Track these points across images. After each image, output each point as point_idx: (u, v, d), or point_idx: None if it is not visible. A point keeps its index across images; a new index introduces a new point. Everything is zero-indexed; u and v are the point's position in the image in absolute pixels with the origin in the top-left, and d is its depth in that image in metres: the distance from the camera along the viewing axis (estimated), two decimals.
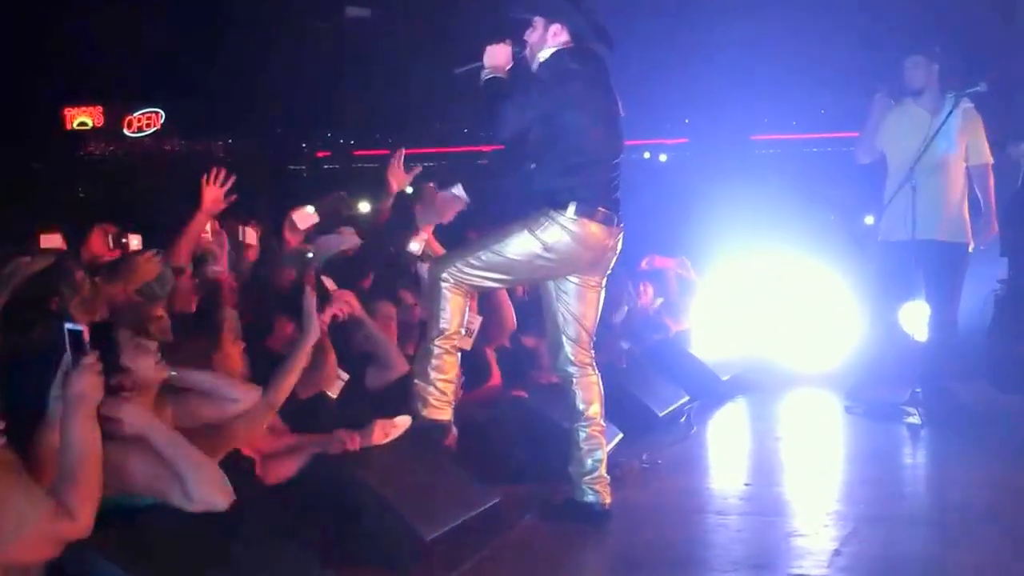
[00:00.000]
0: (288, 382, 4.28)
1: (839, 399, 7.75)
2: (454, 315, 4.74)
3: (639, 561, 4.42)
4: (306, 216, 6.20)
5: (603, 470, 4.88)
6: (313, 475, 4.29)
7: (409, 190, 6.71)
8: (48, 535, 2.83)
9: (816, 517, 4.98)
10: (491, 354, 6.35)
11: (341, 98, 19.68)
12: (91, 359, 3.01)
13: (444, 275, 4.73)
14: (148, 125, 24.02)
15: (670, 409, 7.26)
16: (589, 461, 4.86)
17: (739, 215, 9.96)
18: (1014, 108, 9.21)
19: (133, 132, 24.11)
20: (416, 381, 4.79)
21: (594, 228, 4.70)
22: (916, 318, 7.23)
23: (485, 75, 4.81)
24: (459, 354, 4.85)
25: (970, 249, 7.10)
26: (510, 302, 6.62)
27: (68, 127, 23.98)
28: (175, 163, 22.77)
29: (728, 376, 8.57)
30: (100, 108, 23.97)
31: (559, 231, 4.65)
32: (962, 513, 4.97)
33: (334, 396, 4.84)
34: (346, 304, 5.28)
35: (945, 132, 6.93)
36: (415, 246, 6.44)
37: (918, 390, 6.90)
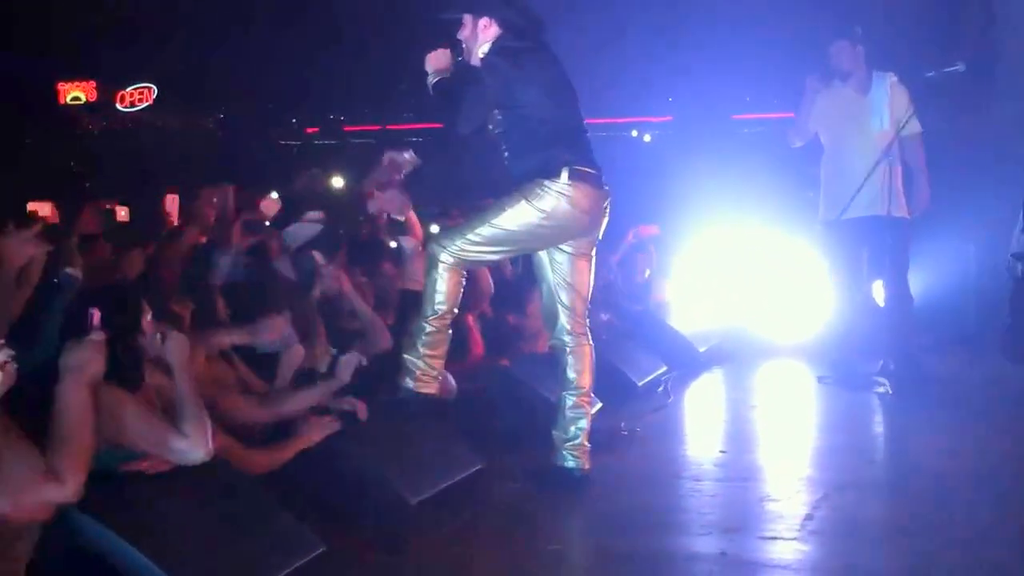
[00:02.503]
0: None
1: (813, 370, 7.90)
2: (449, 295, 4.78)
3: (617, 525, 4.48)
4: (271, 203, 6.10)
5: (585, 439, 4.95)
6: None
7: None
8: (36, 496, 2.89)
9: (788, 483, 5.06)
10: (472, 322, 6.40)
11: (332, 73, 19.67)
12: (98, 336, 3.16)
13: (444, 255, 4.76)
14: (140, 100, 23.96)
15: (649, 379, 7.40)
16: (572, 428, 4.93)
17: (719, 191, 10.09)
18: (995, 82, 9.35)
19: (126, 107, 24.04)
20: (405, 356, 4.84)
21: (588, 190, 4.77)
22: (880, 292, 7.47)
23: (431, 80, 4.89)
24: (450, 332, 4.90)
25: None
26: (486, 269, 6.65)
27: (62, 102, 23.92)
28: (167, 138, 22.73)
29: (705, 347, 8.75)
30: (93, 83, 23.90)
31: (556, 197, 4.70)
32: (928, 479, 5.04)
33: (322, 372, 4.90)
34: (335, 281, 5.43)
35: (877, 109, 7.13)
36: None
37: (888, 361, 7.10)
